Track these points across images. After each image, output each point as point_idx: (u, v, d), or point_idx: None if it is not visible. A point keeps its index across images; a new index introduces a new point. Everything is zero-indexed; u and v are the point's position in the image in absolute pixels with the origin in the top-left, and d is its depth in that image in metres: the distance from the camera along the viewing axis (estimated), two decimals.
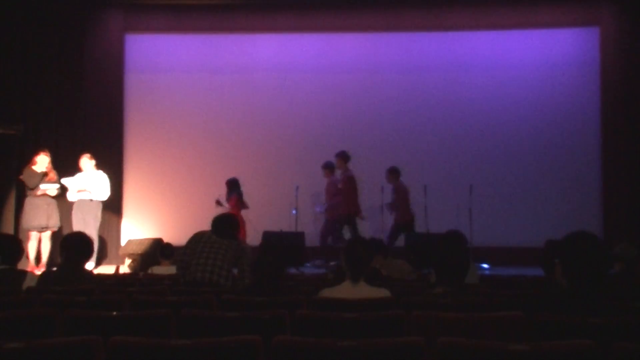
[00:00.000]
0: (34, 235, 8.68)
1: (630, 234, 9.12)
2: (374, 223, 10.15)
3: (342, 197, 9.43)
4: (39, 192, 8.65)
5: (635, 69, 10.00)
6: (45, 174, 8.71)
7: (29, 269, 7.88)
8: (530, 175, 10.43)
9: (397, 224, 9.55)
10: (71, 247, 4.40)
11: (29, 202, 8.69)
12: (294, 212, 10.10)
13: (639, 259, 5.04)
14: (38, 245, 8.73)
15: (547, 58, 10.54)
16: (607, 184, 10.15)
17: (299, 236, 9.45)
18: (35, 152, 8.91)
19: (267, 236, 9.22)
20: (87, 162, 8.97)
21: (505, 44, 10.75)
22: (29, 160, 8.94)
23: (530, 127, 10.48)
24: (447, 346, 2.13)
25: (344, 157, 9.50)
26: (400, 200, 9.52)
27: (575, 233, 2.79)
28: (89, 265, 8.51)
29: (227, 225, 5.03)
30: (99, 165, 9.14)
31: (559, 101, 10.47)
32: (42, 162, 8.77)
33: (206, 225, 5.16)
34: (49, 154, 8.87)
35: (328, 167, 9.61)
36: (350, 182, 9.38)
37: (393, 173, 9.57)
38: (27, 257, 8.65)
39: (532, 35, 10.69)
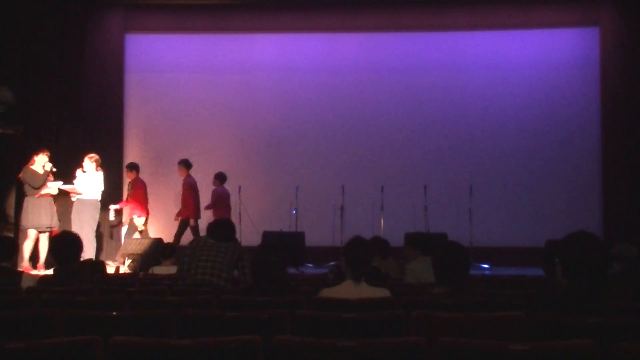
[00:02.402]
0: (32, 235, 8.67)
1: (630, 234, 9.11)
2: (368, 223, 10.15)
3: (183, 202, 9.61)
4: (43, 192, 8.67)
5: (635, 69, 10.00)
6: (48, 174, 8.73)
7: (24, 269, 7.89)
8: (530, 175, 10.43)
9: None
10: (59, 248, 4.38)
11: (32, 202, 8.67)
12: (294, 212, 10.11)
13: (639, 259, 5.03)
14: (35, 246, 8.72)
15: (547, 58, 10.53)
16: (607, 184, 10.15)
17: (299, 236, 9.45)
18: (35, 152, 8.91)
19: (267, 236, 9.23)
20: (87, 162, 8.98)
21: (505, 44, 10.75)
22: (28, 160, 8.94)
23: (530, 127, 10.47)
24: (447, 346, 2.13)
25: (185, 164, 9.67)
26: (216, 204, 9.64)
27: (575, 233, 2.79)
28: None
29: (223, 229, 5.03)
30: (99, 165, 9.13)
31: (559, 101, 10.47)
32: (40, 161, 8.76)
33: (206, 226, 5.18)
34: (47, 154, 8.87)
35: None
36: (190, 189, 9.56)
37: (217, 178, 9.78)
38: (23, 258, 8.63)
39: (532, 35, 10.69)
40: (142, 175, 9.91)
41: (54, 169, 8.84)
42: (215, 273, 4.68)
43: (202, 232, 9.55)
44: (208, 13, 10.81)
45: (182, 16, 10.78)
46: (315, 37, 11.01)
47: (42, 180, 8.68)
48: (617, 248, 5.12)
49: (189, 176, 9.67)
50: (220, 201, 9.69)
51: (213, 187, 9.82)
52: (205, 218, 9.34)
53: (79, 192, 8.85)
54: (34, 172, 8.72)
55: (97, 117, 10.37)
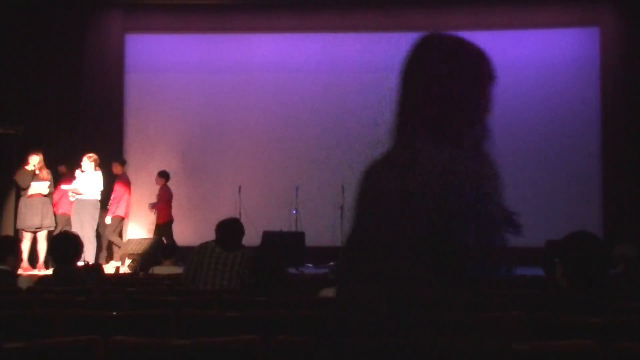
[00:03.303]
0: (27, 236, 8.67)
1: (630, 234, 9.11)
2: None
3: (114, 199, 9.49)
4: (30, 192, 8.64)
5: (635, 69, 9.99)
6: (34, 173, 8.69)
7: (23, 270, 7.88)
8: (530, 175, 10.41)
9: (156, 225, 9.64)
10: (58, 249, 4.37)
11: (23, 203, 8.69)
12: (294, 212, 10.10)
13: (639, 259, 5.03)
14: (32, 246, 8.71)
15: (547, 58, 10.53)
16: (607, 184, 10.14)
17: (299, 236, 9.45)
18: (28, 153, 8.90)
19: (267, 236, 9.23)
20: (85, 162, 8.96)
21: (505, 44, 10.73)
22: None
23: (530, 127, 10.46)
24: (447, 346, 2.12)
25: (121, 162, 9.73)
26: (161, 202, 9.59)
27: (575, 233, 2.78)
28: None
29: (231, 235, 4.86)
30: (99, 165, 9.13)
31: (559, 101, 10.46)
32: (32, 162, 8.76)
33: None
34: (40, 154, 8.86)
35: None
36: (120, 186, 9.53)
37: (163, 176, 9.73)
38: (21, 258, 8.64)
39: (532, 35, 10.68)
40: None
41: (35, 169, 8.74)
42: (224, 284, 4.61)
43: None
44: (208, 13, 10.81)
45: (182, 16, 10.78)
46: (315, 37, 11.01)
47: (28, 181, 8.64)
48: (618, 248, 5.12)
49: (124, 174, 9.66)
50: (170, 200, 9.66)
51: (158, 186, 9.68)
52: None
53: (80, 192, 8.84)
54: (24, 172, 8.73)
55: (97, 117, 10.36)
